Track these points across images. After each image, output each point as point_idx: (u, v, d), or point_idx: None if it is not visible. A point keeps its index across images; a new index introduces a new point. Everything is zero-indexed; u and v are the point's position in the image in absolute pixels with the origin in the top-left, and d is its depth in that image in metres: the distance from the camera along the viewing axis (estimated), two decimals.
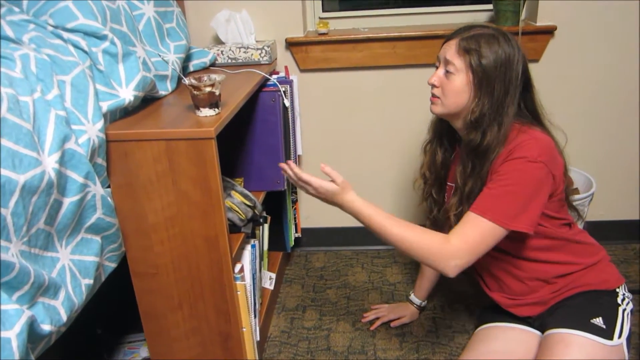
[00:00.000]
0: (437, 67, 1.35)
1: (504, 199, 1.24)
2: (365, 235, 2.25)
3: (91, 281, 1.10)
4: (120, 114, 1.26)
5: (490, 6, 2.01)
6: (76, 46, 1.17)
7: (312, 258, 2.24)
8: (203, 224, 1.24)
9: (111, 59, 1.22)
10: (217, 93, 1.23)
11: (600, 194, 2.00)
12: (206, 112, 1.23)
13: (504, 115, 1.27)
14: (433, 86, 1.35)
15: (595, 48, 1.93)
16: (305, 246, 2.31)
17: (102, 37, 1.21)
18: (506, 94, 1.27)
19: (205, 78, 1.24)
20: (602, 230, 1.97)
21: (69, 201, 1.02)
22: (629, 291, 1.42)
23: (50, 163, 0.96)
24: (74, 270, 1.06)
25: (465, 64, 1.27)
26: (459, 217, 1.31)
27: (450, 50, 1.29)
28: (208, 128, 1.15)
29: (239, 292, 1.33)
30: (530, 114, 1.34)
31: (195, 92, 1.21)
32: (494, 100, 1.27)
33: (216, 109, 1.24)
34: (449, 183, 1.51)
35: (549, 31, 1.89)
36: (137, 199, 1.22)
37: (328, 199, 1.30)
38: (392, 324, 1.78)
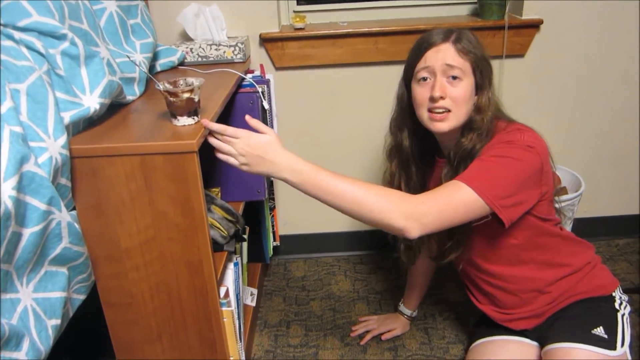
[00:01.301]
0: (424, 79, 1.20)
1: (495, 175, 1.13)
2: (345, 240, 2.17)
3: (58, 321, 0.95)
4: (84, 125, 1.10)
5: None
6: (31, 48, 1.00)
7: (292, 267, 2.12)
8: (184, 248, 1.10)
9: (72, 61, 1.06)
10: (196, 99, 1.09)
11: (585, 191, 1.96)
12: (184, 121, 1.09)
13: (492, 113, 1.22)
14: (440, 99, 1.17)
15: (582, 42, 1.88)
16: (284, 254, 2.18)
17: (61, 37, 1.04)
18: (493, 90, 1.24)
19: (182, 82, 1.09)
20: (585, 227, 1.94)
21: (29, 232, 0.86)
22: (623, 291, 1.37)
23: (6, 190, 0.80)
24: (38, 311, 0.91)
25: (471, 64, 1.18)
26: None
27: (449, 54, 1.18)
28: (189, 140, 1.01)
29: (225, 319, 1.20)
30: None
31: (171, 99, 1.07)
32: (489, 96, 1.22)
33: (195, 117, 1.10)
34: None
35: (535, 25, 1.82)
36: (107, 222, 1.07)
37: (260, 156, 1.06)
38: (382, 337, 1.68)
